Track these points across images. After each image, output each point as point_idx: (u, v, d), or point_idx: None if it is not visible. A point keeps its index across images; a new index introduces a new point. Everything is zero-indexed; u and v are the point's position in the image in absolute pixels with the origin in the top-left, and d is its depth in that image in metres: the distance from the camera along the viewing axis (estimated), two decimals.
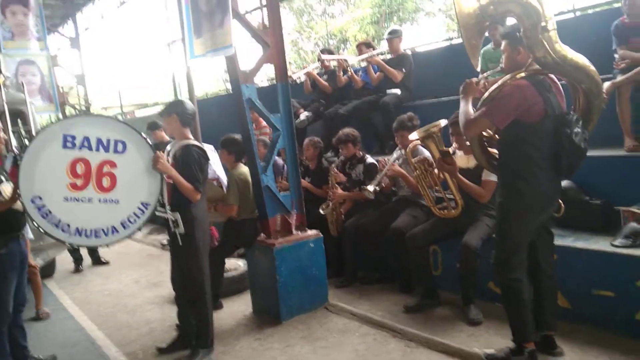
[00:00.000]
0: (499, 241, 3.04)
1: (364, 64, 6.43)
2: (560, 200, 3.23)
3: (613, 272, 3.27)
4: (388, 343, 3.56)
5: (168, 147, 3.69)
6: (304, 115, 6.49)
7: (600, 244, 3.46)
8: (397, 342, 3.56)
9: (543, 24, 2.71)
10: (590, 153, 3.97)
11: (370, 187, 4.46)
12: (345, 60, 6.60)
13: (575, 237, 3.66)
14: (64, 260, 6.65)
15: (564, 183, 3.91)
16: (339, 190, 4.98)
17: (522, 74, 2.89)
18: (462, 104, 3.04)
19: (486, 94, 2.97)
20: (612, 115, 4.04)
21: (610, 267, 3.29)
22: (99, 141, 3.29)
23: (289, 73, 4.86)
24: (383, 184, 4.60)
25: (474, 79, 3.08)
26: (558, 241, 3.58)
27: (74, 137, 3.23)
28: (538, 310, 3.05)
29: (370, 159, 5.03)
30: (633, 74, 3.95)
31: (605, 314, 3.31)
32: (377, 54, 6.29)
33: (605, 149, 4.12)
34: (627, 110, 4.05)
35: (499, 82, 2.93)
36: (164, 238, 7.65)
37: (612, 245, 3.38)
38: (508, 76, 2.93)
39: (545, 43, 2.73)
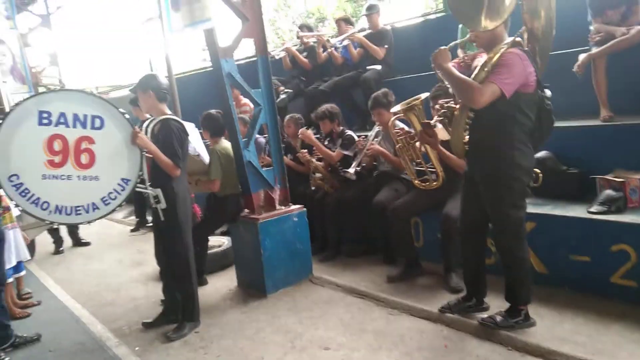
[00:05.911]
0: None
1: (345, 42, 6.36)
2: (538, 170, 3.30)
3: (590, 237, 3.37)
4: (372, 311, 3.62)
5: (145, 124, 3.65)
6: (284, 93, 6.45)
7: (577, 211, 3.55)
8: (380, 310, 3.63)
9: None
10: (567, 123, 4.09)
11: (351, 169, 4.51)
12: (328, 40, 6.51)
13: (553, 205, 3.75)
14: (43, 242, 6.58)
15: (543, 154, 3.99)
16: (315, 161, 5.05)
17: (513, 45, 2.79)
18: (448, 74, 2.82)
19: (481, 62, 2.83)
20: (588, 86, 4.13)
21: (587, 233, 3.39)
22: (76, 117, 3.24)
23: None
24: (364, 164, 4.63)
25: (444, 47, 2.89)
26: (536, 209, 3.68)
27: (50, 114, 3.17)
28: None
29: (348, 132, 5.05)
30: (608, 47, 4.00)
31: (581, 278, 3.41)
32: (358, 31, 6.24)
33: (581, 119, 4.22)
34: (603, 82, 4.11)
35: (494, 52, 2.78)
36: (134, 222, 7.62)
37: (589, 212, 3.46)
38: (503, 46, 2.79)
39: (549, 10, 2.68)
